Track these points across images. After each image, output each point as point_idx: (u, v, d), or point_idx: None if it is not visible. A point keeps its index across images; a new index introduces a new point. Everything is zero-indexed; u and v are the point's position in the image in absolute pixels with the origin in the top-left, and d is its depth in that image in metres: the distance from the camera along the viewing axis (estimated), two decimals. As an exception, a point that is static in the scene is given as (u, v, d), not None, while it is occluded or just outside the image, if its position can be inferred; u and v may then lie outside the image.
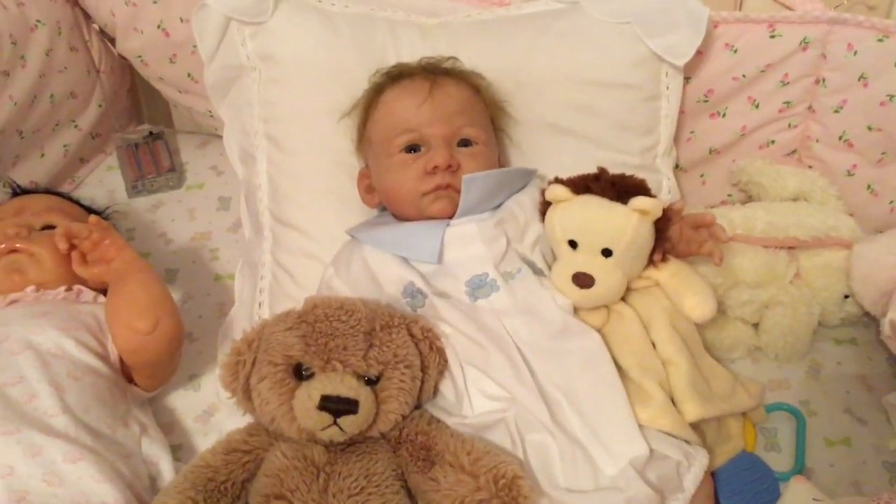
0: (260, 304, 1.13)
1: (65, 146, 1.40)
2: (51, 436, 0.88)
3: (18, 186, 1.24)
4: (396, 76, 1.07)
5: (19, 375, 0.92)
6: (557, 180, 1.00)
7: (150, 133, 1.51)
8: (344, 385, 0.85)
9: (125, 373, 1.02)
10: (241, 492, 0.90)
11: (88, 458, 0.88)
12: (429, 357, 0.93)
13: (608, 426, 0.88)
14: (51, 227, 1.11)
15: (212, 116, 1.39)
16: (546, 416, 0.89)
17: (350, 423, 0.85)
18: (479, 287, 0.97)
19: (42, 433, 0.88)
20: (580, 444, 0.88)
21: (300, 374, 0.89)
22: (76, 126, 1.41)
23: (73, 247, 1.03)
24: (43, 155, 1.36)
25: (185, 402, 1.11)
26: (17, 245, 1.07)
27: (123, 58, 1.43)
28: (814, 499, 0.91)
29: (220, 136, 1.34)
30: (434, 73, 1.07)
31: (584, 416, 0.89)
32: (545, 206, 1.01)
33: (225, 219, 1.38)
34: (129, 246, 1.04)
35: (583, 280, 0.95)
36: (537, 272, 1.00)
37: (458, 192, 0.99)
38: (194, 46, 1.20)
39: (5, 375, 0.92)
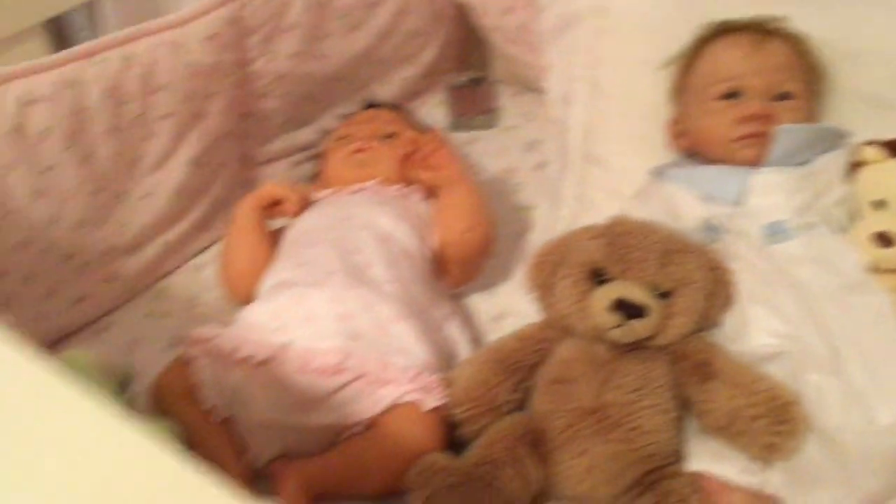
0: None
1: (404, 79, 1.59)
2: (383, 297, 1.05)
3: (371, 101, 1.45)
4: (724, 30, 1.13)
5: (361, 247, 1.10)
6: (872, 142, 1.01)
7: (474, 79, 1.68)
8: (637, 292, 0.94)
9: (439, 268, 1.18)
10: (529, 375, 1.01)
11: (410, 321, 1.04)
12: (717, 287, 0.99)
13: (891, 379, 0.90)
14: (394, 135, 1.29)
15: (532, 68, 1.52)
16: (827, 359, 0.92)
17: (638, 327, 0.94)
18: (775, 233, 1.01)
19: (376, 294, 1.05)
20: (859, 391, 0.90)
21: (597, 279, 0.98)
22: (416, 63, 1.60)
23: (412, 153, 1.20)
24: (386, 84, 1.57)
25: (480, 305, 1.25)
26: (367, 145, 1.26)
27: (463, 7, 1.60)
28: None
29: (533, 89, 1.49)
30: (761, 30, 1.11)
31: (866, 366, 0.91)
32: (854, 167, 1.03)
33: (531, 159, 1.51)
34: (459, 158, 1.20)
35: (885, 239, 0.96)
36: (836, 230, 1.02)
37: (769, 142, 1.04)
38: (530, -1, 1.34)
39: (351, 245, 1.10)
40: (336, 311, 1.02)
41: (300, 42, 1.34)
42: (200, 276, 1.31)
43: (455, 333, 1.12)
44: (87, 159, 1.12)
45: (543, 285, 1.03)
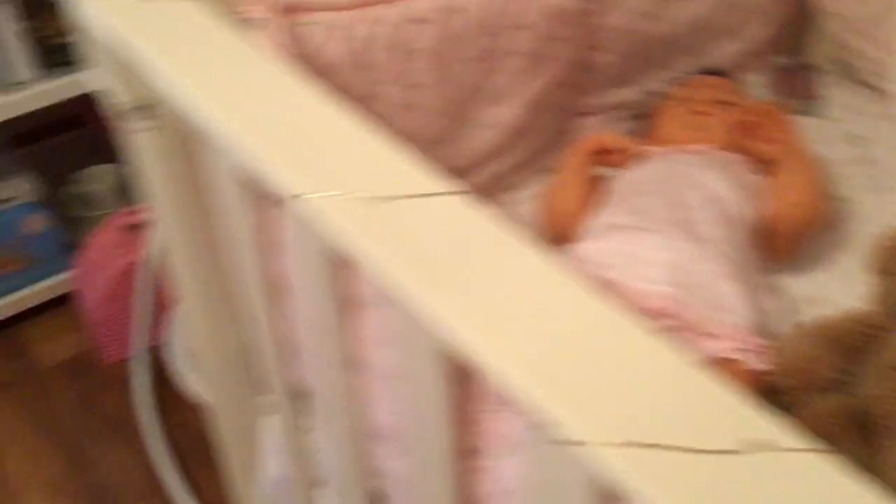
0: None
1: (732, 52, 1.57)
2: (712, 254, 1.06)
3: (708, 68, 1.45)
4: None
5: (693, 204, 1.12)
6: None
7: (800, 63, 1.64)
8: None
9: (762, 240, 1.17)
10: (854, 357, 0.99)
11: (737, 282, 1.04)
12: None
13: None
14: (731, 104, 1.29)
15: (868, 61, 1.46)
16: None
17: None
18: None
19: (705, 250, 1.06)
20: None
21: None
22: (747, 38, 1.57)
23: (751, 122, 1.20)
24: (714, 55, 1.55)
25: (790, 287, 1.22)
26: (706, 109, 1.28)
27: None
28: None
29: (862, 83, 1.43)
30: None
31: None
32: None
33: (852, 152, 1.45)
34: (797, 134, 1.18)
35: None
36: None
37: None
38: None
39: (683, 201, 1.12)
40: (667, 259, 1.04)
41: (649, 1, 1.36)
42: (514, 212, 1.37)
43: (771, 305, 1.12)
44: (446, 82, 1.21)
45: (890, 271, 1.00)
